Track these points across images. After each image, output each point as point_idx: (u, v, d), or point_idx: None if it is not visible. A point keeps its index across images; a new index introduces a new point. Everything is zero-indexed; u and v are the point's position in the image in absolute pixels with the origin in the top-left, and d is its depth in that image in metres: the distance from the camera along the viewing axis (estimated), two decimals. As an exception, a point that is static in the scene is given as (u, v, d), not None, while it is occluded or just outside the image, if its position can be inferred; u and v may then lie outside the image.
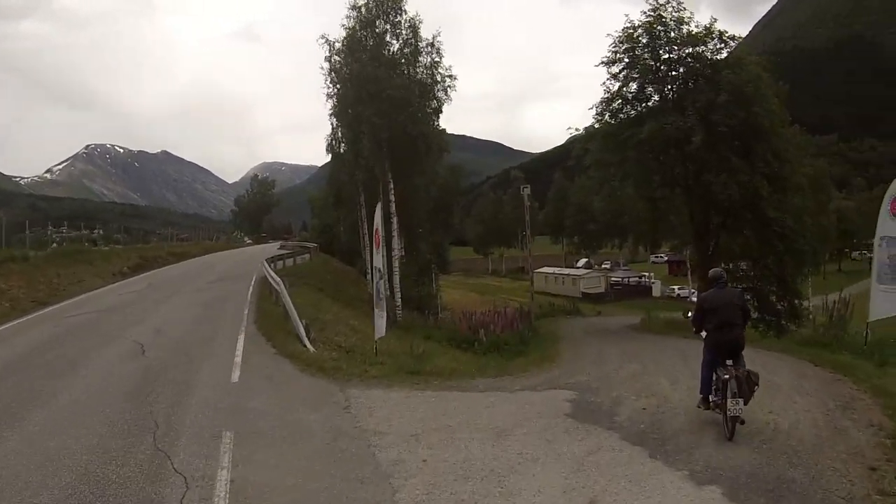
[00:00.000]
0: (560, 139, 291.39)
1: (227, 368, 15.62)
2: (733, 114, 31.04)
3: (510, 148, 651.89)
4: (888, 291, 17.78)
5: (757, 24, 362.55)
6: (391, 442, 10.68)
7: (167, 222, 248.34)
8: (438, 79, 44.11)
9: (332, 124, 48.14)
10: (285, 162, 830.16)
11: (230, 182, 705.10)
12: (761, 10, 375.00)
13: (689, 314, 13.45)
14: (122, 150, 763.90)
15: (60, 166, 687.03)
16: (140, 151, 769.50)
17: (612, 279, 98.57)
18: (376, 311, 19.10)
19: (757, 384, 10.93)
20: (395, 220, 42.04)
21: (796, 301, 34.18)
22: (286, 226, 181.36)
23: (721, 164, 31.50)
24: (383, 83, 39.74)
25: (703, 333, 11.90)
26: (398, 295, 41.25)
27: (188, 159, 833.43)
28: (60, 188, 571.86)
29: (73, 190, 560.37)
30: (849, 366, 16.45)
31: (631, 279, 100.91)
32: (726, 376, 10.79)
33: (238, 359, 16.69)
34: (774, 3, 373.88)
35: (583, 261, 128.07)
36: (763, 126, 31.80)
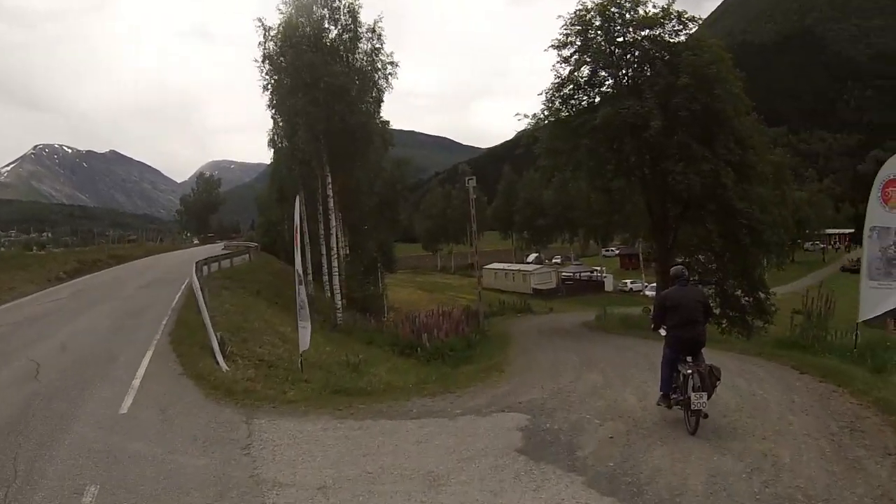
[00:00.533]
0: (509, 134, 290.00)
1: (121, 395, 13.25)
2: (694, 97, 29.13)
3: (459, 143, 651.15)
4: (880, 288, 15.70)
5: (706, 19, 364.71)
6: (292, 498, 8.38)
7: (116, 223, 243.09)
8: (379, 66, 42.09)
9: (272, 117, 45.42)
10: (234, 160, 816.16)
11: (179, 181, 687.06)
12: (710, 6, 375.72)
13: (646, 308, 13.05)
14: (70, 151, 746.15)
15: (9, 168, 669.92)
16: (88, 151, 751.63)
17: (564, 274, 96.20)
18: (299, 321, 16.71)
19: (719, 378, 10.89)
20: (333, 216, 39.62)
21: (762, 295, 32.35)
22: (234, 224, 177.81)
23: (681, 152, 29.56)
24: (320, 70, 37.48)
25: (662, 331, 11.72)
26: (338, 297, 38.85)
27: (137, 159, 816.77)
28: (9, 190, 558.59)
29: (21, 192, 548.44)
30: (840, 373, 14.37)
31: (582, 274, 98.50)
32: (689, 371, 10.76)
33: (136, 382, 14.34)
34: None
35: (532, 255, 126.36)
36: (726, 111, 29.91)
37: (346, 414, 12.34)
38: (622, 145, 32.17)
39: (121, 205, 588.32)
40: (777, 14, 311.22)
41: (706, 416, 10.51)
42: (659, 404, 11.60)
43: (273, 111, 43.81)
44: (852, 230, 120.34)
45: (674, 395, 11.17)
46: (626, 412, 12.18)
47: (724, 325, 31.84)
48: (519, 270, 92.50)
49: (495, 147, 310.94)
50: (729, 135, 30.12)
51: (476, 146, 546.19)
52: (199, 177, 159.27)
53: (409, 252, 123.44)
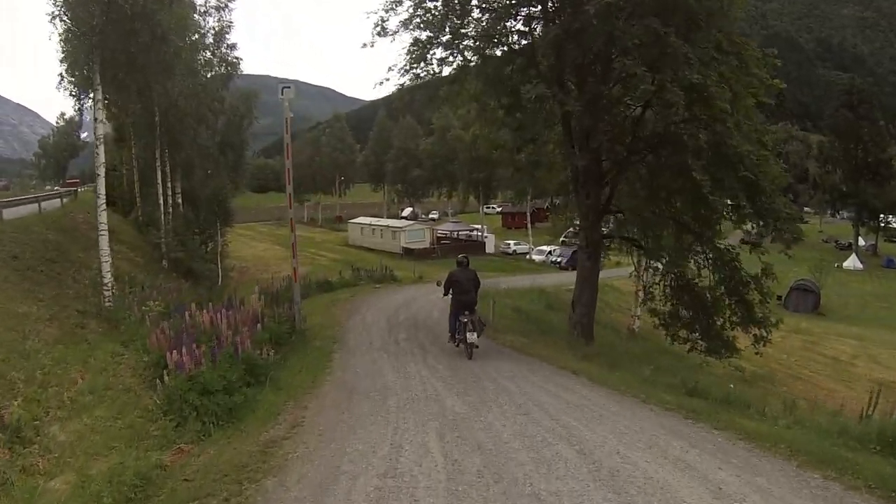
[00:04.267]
0: (393, 87, 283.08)
1: None
2: None
3: (343, 95, 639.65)
4: None
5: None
6: None
7: None
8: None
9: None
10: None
11: (58, 125, 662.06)
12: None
13: (439, 282, 18.52)
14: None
15: None
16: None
17: (439, 232, 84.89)
18: None
19: (485, 325, 17.91)
20: (101, 149, 26.65)
21: (755, 295, 21.04)
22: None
23: (647, 47, 17.42)
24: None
25: (449, 296, 17.84)
26: (106, 267, 25.47)
27: (14, 100, 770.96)
28: None
29: None
30: None
31: (461, 232, 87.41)
32: (465, 320, 16.93)
33: None
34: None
35: (408, 210, 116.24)
36: None
37: None
38: (544, 31, 20.15)
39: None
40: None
41: (477, 346, 16.76)
42: (448, 342, 18.03)
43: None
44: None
45: (458, 336, 17.33)
46: None
47: (673, 332, 21.22)
48: (387, 226, 79.82)
49: (378, 100, 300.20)
50: (723, 31, 18.55)
51: (360, 98, 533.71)
52: (59, 117, 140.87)
53: (277, 202, 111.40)
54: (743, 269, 20.91)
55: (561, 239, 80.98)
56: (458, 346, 17.41)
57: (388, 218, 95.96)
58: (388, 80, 21.52)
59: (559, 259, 69.89)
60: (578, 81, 20.08)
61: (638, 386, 13.92)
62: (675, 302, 22.53)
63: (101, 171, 26.43)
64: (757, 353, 21.27)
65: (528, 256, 75.94)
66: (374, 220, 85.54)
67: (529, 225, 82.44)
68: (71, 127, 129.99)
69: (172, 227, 40.82)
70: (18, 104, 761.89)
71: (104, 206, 26.18)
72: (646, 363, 19.08)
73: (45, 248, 27.42)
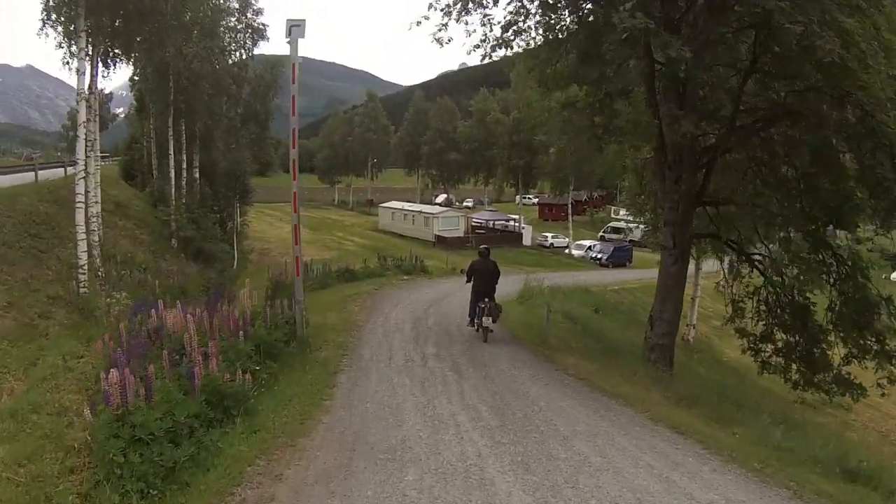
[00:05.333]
0: (432, 74, 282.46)
1: None
2: None
3: (380, 79, 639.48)
4: None
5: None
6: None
7: (26, 141, 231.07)
8: None
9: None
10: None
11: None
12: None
13: (463, 270, 20.94)
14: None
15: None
16: (3, 65, 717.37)
17: (475, 221, 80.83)
18: None
19: (501, 310, 18.89)
20: (84, 109, 22.89)
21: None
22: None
23: None
24: None
25: (470, 284, 19.37)
26: (83, 246, 21.38)
27: (54, 75, 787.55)
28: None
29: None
30: None
31: (496, 222, 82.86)
32: (482, 306, 18.54)
33: None
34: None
35: (442, 196, 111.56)
36: None
37: None
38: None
39: (33, 122, 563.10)
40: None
41: (492, 331, 18.39)
42: (468, 326, 19.53)
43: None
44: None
45: (476, 320, 18.85)
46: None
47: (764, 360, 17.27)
48: (420, 212, 75.55)
49: (416, 85, 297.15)
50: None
51: (398, 83, 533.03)
52: (89, 89, 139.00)
53: (308, 184, 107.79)
54: (873, 287, 16.55)
55: (600, 234, 77.27)
56: (477, 330, 18.79)
57: (421, 203, 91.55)
58: (427, 18, 17.18)
59: (600, 255, 65.80)
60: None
61: (774, 460, 9.36)
62: (771, 321, 18.25)
63: (82, 133, 22.96)
64: (883, 395, 17.05)
65: (566, 251, 72.05)
66: (406, 205, 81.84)
67: (571, 217, 78.22)
68: (100, 100, 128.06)
69: (185, 204, 38.10)
70: (57, 78, 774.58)
71: (83, 175, 22.67)
72: (717, 390, 17.99)
73: (30, 222, 24.46)
